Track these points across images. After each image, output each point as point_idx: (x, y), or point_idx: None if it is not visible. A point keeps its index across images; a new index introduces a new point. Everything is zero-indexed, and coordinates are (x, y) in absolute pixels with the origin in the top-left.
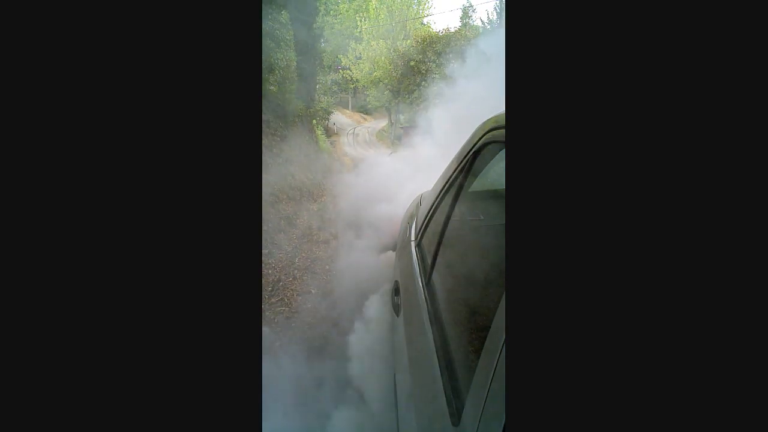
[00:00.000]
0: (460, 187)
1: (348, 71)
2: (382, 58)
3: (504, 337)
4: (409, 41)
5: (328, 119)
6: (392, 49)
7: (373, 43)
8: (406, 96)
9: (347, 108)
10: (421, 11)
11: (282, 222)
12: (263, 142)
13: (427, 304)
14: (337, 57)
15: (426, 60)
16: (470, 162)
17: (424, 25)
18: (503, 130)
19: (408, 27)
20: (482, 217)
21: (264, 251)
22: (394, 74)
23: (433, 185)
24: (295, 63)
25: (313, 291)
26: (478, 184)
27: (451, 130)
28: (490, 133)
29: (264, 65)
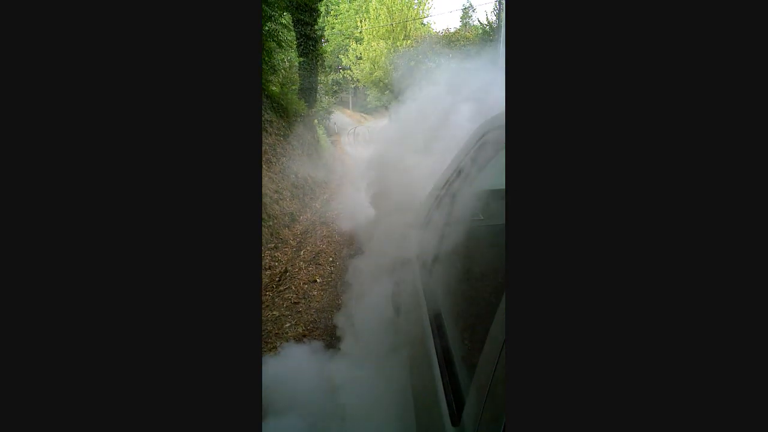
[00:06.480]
0: (460, 187)
1: (349, 71)
2: (382, 58)
3: (504, 337)
4: (409, 41)
5: (329, 119)
6: (392, 49)
7: (373, 43)
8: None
9: (348, 108)
10: (421, 12)
11: (286, 218)
12: (267, 141)
13: (427, 305)
14: (338, 57)
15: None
16: (470, 161)
17: (424, 25)
18: (503, 130)
19: (408, 27)
20: (482, 217)
21: (270, 245)
22: (394, 74)
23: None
24: (297, 64)
25: (318, 280)
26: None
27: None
28: (490, 133)
29: (267, 66)
